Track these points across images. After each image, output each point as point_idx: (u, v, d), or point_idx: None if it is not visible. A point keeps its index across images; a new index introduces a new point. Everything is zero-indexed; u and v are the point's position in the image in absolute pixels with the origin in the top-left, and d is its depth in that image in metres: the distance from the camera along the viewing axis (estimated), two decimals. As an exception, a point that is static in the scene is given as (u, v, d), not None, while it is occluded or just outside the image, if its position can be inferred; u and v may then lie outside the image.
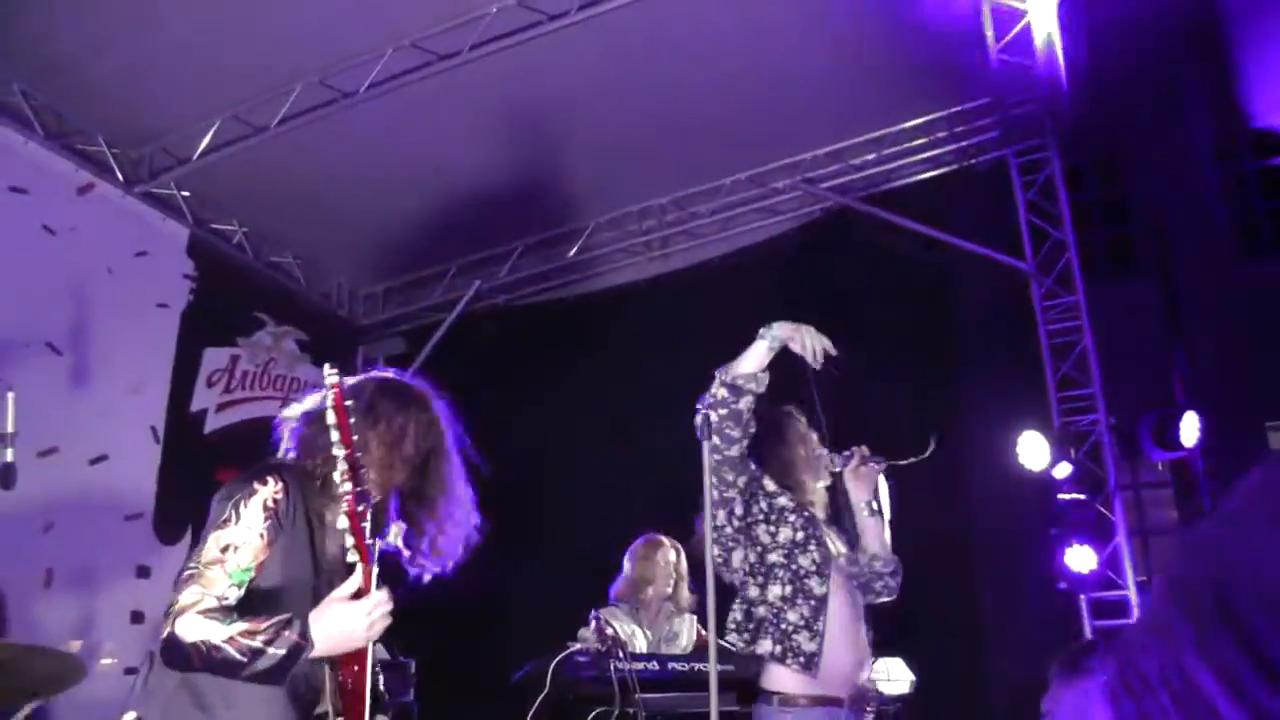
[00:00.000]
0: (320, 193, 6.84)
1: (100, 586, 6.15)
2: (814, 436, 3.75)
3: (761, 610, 3.44)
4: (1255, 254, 8.01)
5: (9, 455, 3.99)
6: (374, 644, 2.37)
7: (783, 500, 3.53)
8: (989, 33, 5.92)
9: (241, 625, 2.18)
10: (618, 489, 6.61)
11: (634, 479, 6.64)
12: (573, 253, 7.67)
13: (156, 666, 2.39)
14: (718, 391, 3.34)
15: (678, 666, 4.21)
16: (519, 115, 6.28)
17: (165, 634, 2.20)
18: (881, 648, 5.38)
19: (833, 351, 3.31)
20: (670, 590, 5.28)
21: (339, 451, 2.23)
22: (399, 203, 6.92)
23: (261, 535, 2.32)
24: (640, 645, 4.96)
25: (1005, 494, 5.90)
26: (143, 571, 6.44)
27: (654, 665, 4.14)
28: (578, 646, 4.10)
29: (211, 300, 6.94)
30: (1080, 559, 5.68)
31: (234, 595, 2.26)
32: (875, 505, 3.72)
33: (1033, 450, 5.79)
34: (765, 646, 3.39)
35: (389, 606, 2.29)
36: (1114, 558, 5.87)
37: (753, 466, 3.55)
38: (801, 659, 3.34)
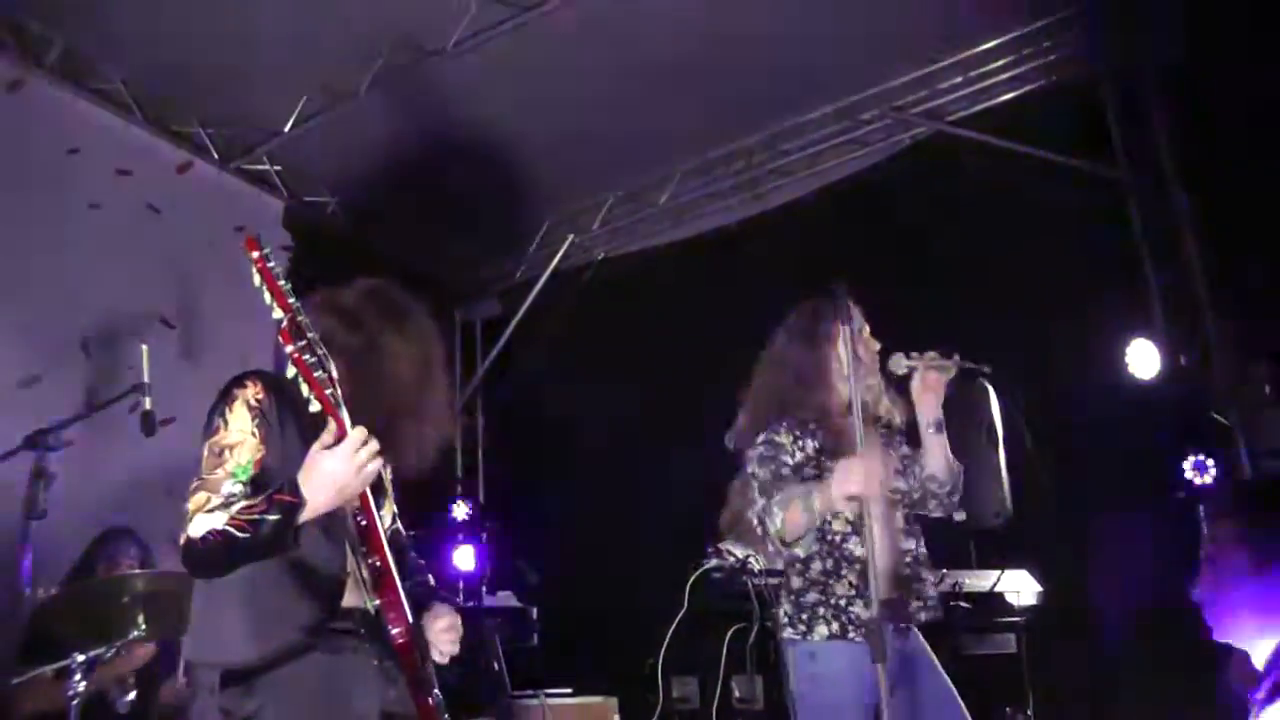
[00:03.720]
0: (409, 158, 6.93)
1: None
2: (864, 345, 3.41)
3: (811, 596, 3.19)
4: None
5: (148, 403, 4.16)
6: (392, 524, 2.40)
7: (810, 470, 3.23)
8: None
9: (240, 505, 2.20)
10: (723, 431, 6.66)
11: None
12: (663, 200, 7.69)
13: (194, 596, 2.44)
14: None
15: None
16: (603, 65, 6.29)
17: (181, 542, 2.22)
18: (1003, 561, 5.42)
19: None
20: None
21: (277, 315, 2.17)
22: (488, 162, 6.98)
23: (254, 433, 2.33)
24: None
25: (1115, 405, 5.83)
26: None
27: (788, 579, 4.20)
28: (712, 564, 4.18)
29: (309, 270, 7.08)
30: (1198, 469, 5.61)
31: (240, 492, 2.25)
32: (940, 423, 3.34)
33: (1142, 358, 5.73)
34: (822, 631, 3.14)
35: (374, 445, 2.22)
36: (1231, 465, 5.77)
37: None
38: (864, 630, 3.02)
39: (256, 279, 2.20)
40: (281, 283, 2.20)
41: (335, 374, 2.22)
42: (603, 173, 7.53)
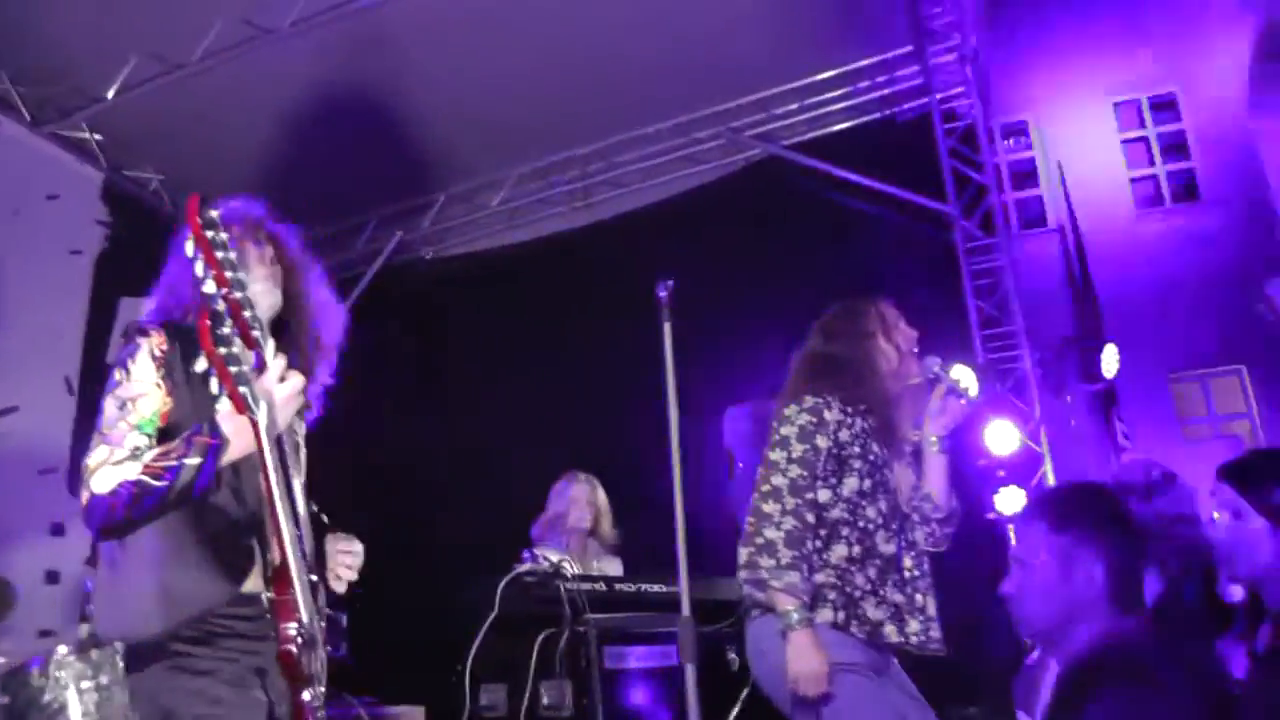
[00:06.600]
0: (238, 138, 6.64)
1: (11, 544, 5.90)
2: (904, 336, 3.23)
3: (822, 575, 2.94)
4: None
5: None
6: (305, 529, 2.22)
7: (855, 448, 3.02)
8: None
9: (152, 453, 2.08)
10: (546, 437, 6.59)
11: (561, 427, 6.63)
12: (495, 203, 7.61)
13: (99, 566, 2.32)
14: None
15: (624, 587, 4.25)
16: (440, 60, 6.18)
17: (84, 500, 2.08)
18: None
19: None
20: (589, 524, 5.26)
21: (210, 289, 1.94)
22: (320, 150, 6.73)
23: (158, 385, 2.21)
24: (569, 580, 4.94)
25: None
26: (57, 529, 6.18)
27: (601, 585, 4.16)
28: (525, 568, 4.09)
29: (127, 248, 6.69)
30: (1008, 496, 5.86)
31: (145, 444, 2.13)
32: (948, 445, 3.15)
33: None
34: (825, 616, 2.89)
35: (298, 379, 2.11)
36: (1039, 488, 6.03)
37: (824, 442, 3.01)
38: (867, 628, 2.92)
39: (190, 247, 1.94)
40: (221, 255, 1.94)
41: (253, 363, 2.03)
42: (435, 171, 7.37)
